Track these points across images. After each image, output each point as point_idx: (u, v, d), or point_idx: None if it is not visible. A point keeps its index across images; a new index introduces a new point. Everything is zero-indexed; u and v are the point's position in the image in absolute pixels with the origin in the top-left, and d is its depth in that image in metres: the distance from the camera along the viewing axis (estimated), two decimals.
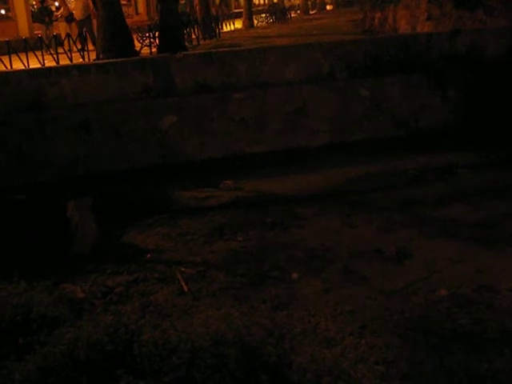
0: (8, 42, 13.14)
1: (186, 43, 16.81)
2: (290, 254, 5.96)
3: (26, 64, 12.61)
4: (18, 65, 12.46)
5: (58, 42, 14.89)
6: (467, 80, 9.96)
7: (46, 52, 14.36)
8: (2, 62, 12.19)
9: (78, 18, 17.82)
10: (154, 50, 15.48)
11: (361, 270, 5.50)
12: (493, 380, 3.78)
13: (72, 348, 3.72)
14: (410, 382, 3.79)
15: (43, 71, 9.83)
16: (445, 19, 12.45)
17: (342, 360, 3.82)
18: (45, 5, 20.21)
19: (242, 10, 29.62)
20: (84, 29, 17.03)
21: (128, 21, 15.59)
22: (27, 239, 6.09)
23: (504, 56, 9.89)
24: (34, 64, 12.49)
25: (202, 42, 19.16)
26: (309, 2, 39.43)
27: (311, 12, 38.63)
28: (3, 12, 25.72)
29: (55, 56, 13.64)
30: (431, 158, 8.58)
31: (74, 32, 16.88)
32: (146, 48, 15.96)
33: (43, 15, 19.33)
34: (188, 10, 24.60)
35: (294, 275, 5.53)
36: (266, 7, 32.40)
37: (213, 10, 24.72)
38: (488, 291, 4.95)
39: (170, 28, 14.57)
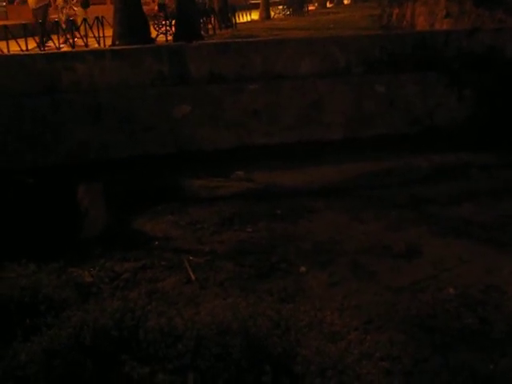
0: (25, 25, 13.22)
1: (202, 32, 16.80)
2: (299, 247, 5.93)
3: (42, 47, 12.69)
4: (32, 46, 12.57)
5: (74, 27, 14.95)
6: (484, 79, 9.88)
7: (62, 36, 14.41)
8: (19, 44, 12.26)
9: None
10: (169, 38, 15.47)
11: (369, 265, 5.48)
12: (497, 381, 3.78)
13: (78, 331, 3.77)
14: (414, 379, 3.78)
15: (59, 55, 9.90)
16: (463, 17, 12.32)
17: (347, 355, 3.86)
18: None
19: (259, 1, 29.51)
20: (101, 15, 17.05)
21: (145, 8, 15.62)
22: (37, 222, 6.16)
23: None
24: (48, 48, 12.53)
25: (218, 31, 19.16)
26: None
27: (328, 5, 38.42)
28: None
29: (71, 41, 13.70)
30: (445, 156, 8.55)
31: (91, 18, 16.88)
32: (161, 36, 15.99)
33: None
34: None
35: (302, 268, 5.50)
36: None
37: (230, 0, 24.67)
38: (496, 292, 4.93)
39: (187, 16, 14.58)
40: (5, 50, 11.84)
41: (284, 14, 30.35)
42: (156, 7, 21.74)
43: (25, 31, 13.30)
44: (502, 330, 4.34)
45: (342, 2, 40.61)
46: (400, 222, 6.45)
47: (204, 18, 18.58)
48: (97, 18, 14.96)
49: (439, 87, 9.95)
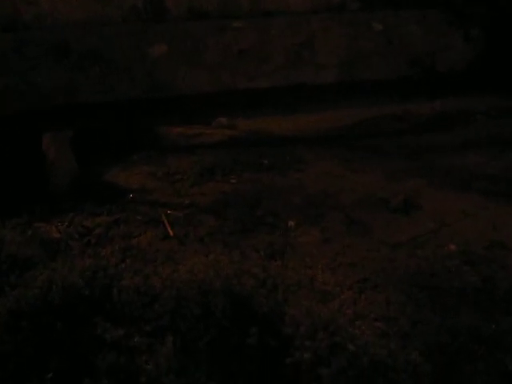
0: None
1: None
2: (287, 200, 5.94)
3: None
4: None
5: None
6: (492, 16, 9.68)
7: None
8: None
9: None
10: None
11: (364, 219, 5.49)
12: (500, 341, 3.80)
13: (46, 291, 3.73)
14: (411, 340, 3.79)
15: None
16: None
17: (340, 315, 3.81)
18: None
19: None
20: None
21: None
22: None
23: None
24: None
25: None
26: None
27: None
28: None
29: None
30: (448, 102, 8.53)
31: None
32: None
33: None
34: None
35: (291, 223, 5.52)
36: None
37: None
38: (501, 249, 4.93)
39: None
40: None
41: None
42: None
43: None
44: (505, 289, 4.36)
45: None
46: (398, 174, 6.49)
47: None
48: None
49: (442, 26, 9.74)
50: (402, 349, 3.39)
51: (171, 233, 5.26)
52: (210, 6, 9.43)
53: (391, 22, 9.66)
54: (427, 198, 5.82)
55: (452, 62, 9.63)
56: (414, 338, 3.82)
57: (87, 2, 9.13)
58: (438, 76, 9.49)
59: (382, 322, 3.92)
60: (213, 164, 6.86)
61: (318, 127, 8.07)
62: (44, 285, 3.74)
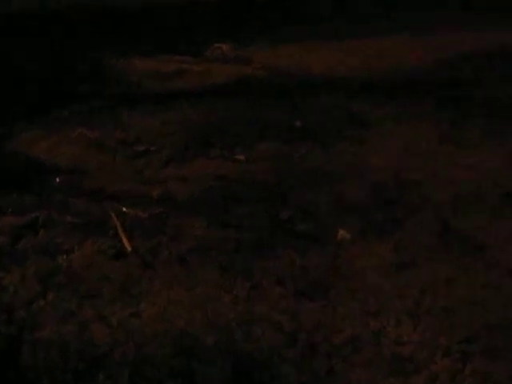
0: None
1: None
2: (335, 193, 4.64)
3: None
4: None
5: None
6: None
7: None
8: None
9: None
10: None
11: (471, 229, 4.33)
12: None
13: None
14: None
15: None
16: None
17: None
18: None
19: None
20: None
21: None
22: None
23: None
24: None
25: None
26: None
27: None
28: None
29: None
30: None
31: None
32: None
33: None
34: None
35: (342, 233, 4.31)
36: None
37: None
38: None
39: None
40: None
41: None
42: None
43: None
44: None
45: None
46: None
47: None
48: None
49: None
50: None
51: (128, 246, 4.18)
52: None
53: None
54: None
55: None
56: None
57: None
58: None
59: None
60: (204, 127, 5.55)
61: (388, 63, 6.85)
62: None
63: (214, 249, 4.04)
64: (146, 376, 2.98)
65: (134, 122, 5.69)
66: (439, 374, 3.03)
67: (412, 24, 7.90)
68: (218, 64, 7.01)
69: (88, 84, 6.48)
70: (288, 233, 4.23)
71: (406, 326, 3.36)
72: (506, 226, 4.32)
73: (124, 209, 4.50)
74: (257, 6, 8.73)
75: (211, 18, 8.15)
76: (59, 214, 4.40)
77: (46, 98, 6.12)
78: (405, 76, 6.71)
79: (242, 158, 5.12)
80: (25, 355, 3.07)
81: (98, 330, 3.18)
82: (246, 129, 5.56)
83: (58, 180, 4.92)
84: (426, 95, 6.16)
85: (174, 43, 7.50)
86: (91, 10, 8.10)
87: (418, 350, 3.17)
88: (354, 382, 2.99)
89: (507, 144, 5.40)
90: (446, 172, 4.96)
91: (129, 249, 4.16)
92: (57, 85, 6.46)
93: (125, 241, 4.21)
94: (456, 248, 4.05)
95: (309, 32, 7.73)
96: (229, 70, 6.87)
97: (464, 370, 3.08)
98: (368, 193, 4.61)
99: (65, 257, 4.07)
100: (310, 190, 4.69)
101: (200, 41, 7.45)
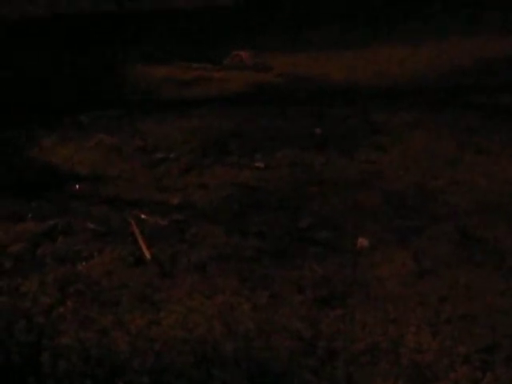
0: None
1: None
2: (355, 201, 4.67)
3: None
4: None
5: None
6: None
7: None
8: None
9: None
10: None
11: (492, 237, 4.33)
12: None
13: None
14: None
15: None
16: None
17: None
18: None
19: None
20: None
21: None
22: None
23: None
24: None
25: None
26: None
27: None
28: None
29: None
30: None
31: None
32: None
33: None
34: None
35: (362, 241, 4.29)
36: None
37: None
38: None
39: None
40: None
41: None
42: None
43: None
44: None
45: None
46: None
47: None
48: None
49: None
50: None
51: (148, 254, 4.16)
52: None
53: None
54: None
55: None
56: None
57: None
58: None
59: None
60: (223, 134, 5.56)
61: (410, 69, 6.90)
62: None
63: (233, 257, 4.06)
64: None
65: (153, 129, 5.78)
66: (459, 383, 2.98)
67: (433, 31, 7.86)
68: (236, 71, 7.07)
69: (107, 90, 6.57)
70: (307, 241, 4.23)
71: (425, 334, 3.30)
72: None
73: (143, 216, 4.53)
74: (277, 14, 8.48)
75: (230, 26, 8.21)
76: (78, 222, 4.44)
77: (63, 105, 6.16)
78: (425, 83, 6.70)
79: (261, 165, 5.17)
80: (44, 362, 3.05)
81: (118, 338, 3.19)
82: (266, 136, 5.62)
83: (77, 187, 4.94)
84: (447, 102, 6.16)
85: (193, 50, 7.55)
86: (112, 16, 8.03)
87: (437, 358, 3.10)
88: None
89: None
90: (467, 180, 4.95)
91: (148, 256, 4.16)
92: (75, 92, 6.53)
93: (144, 248, 4.22)
94: (476, 256, 4.03)
95: (329, 39, 7.72)
96: (248, 77, 6.94)
97: (484, 378, 3.02)
98: (388, 200, 4.64)
99: (84, 264, 4.09)
100: (329, 197, 4.70)
101: (219, 48, 7.50)
